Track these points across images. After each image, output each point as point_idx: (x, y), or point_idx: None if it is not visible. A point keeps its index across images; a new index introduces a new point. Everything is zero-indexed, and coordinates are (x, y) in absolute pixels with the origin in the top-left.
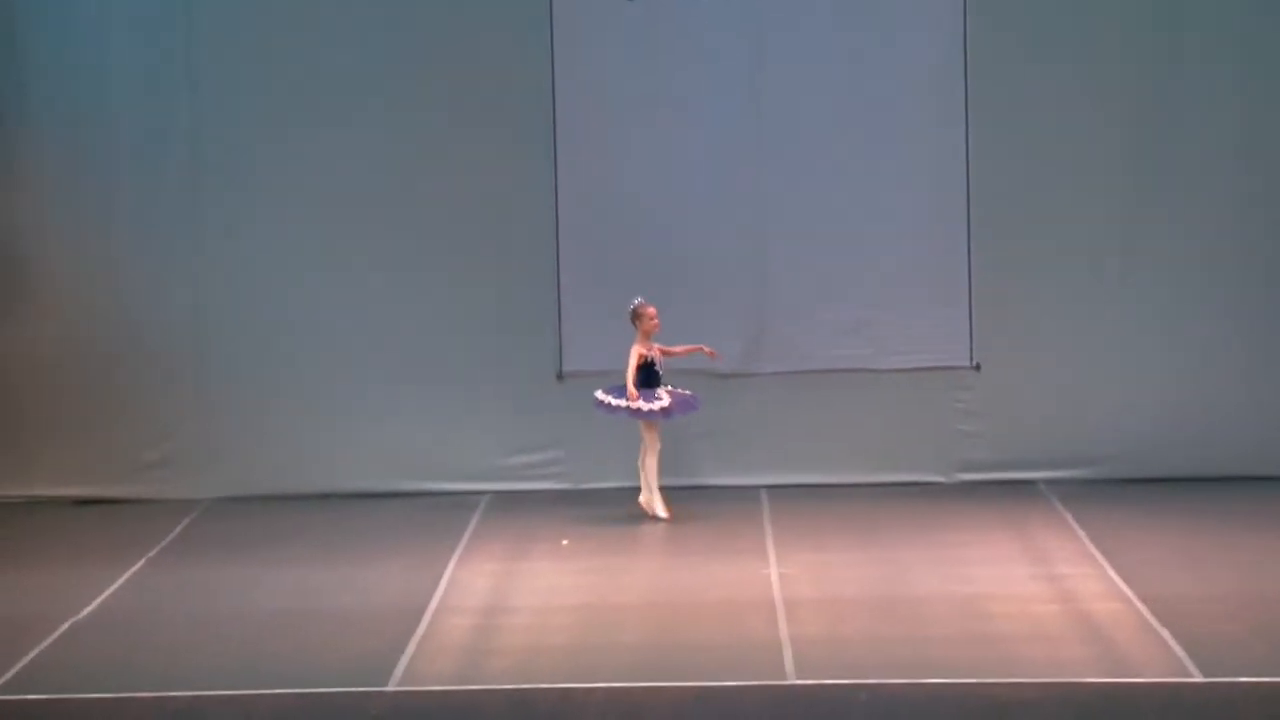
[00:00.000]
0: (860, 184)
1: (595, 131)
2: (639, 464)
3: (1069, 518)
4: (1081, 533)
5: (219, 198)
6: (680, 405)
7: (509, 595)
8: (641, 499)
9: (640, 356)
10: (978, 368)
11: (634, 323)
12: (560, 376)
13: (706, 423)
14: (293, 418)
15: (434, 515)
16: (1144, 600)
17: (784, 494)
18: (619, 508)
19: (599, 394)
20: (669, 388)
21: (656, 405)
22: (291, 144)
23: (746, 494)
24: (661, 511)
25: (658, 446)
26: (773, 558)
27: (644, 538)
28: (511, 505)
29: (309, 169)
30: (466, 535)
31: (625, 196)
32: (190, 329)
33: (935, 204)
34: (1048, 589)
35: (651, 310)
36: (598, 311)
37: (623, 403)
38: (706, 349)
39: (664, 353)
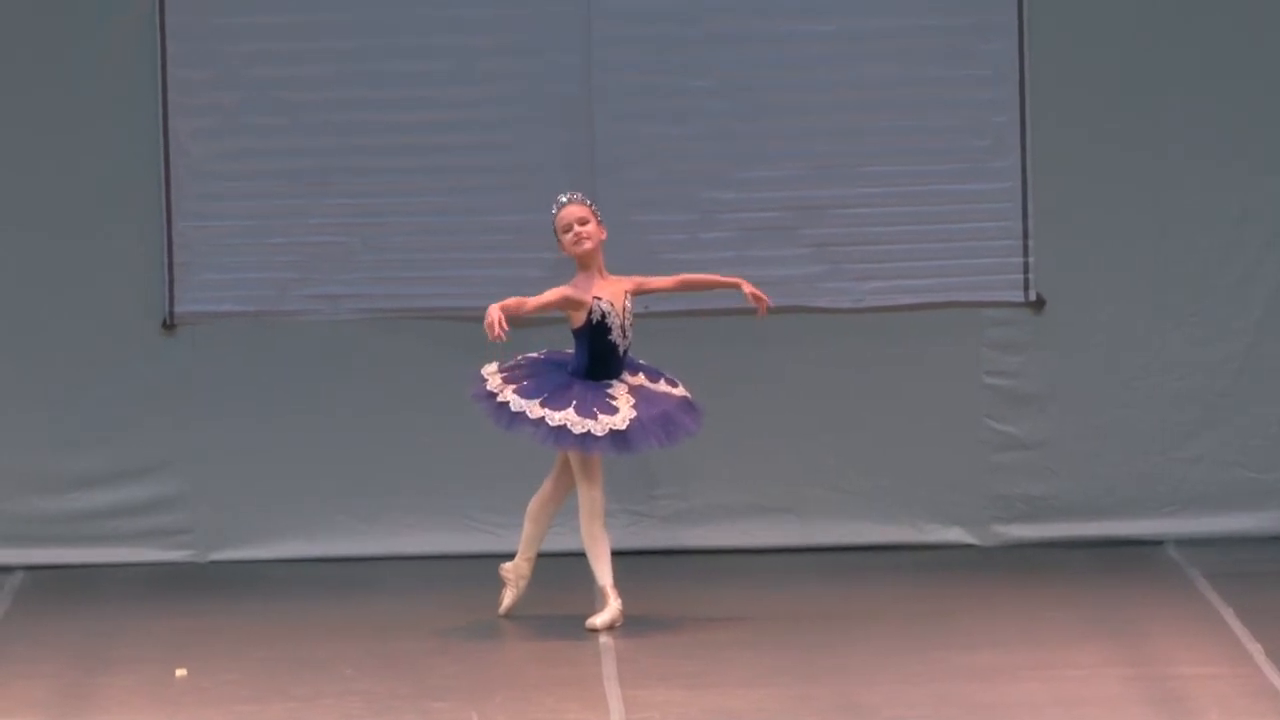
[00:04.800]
0: None
1: None
2: (535, 511)
3: (1243, 637)
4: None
5: None
6: (655, 427)
7: None
8: (508, 566)
9: (564, 297)
10: (1038, 305)
11: (558, 240)
12: (169, 324)
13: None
14: None
15: None
16: None
17: (637, 568)
18: (301, 597)
19: (490, 374)
20: (643, 376)
21: (601, 425)
22: None
23: (579, 565)
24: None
25: (598, 498)
26: (615, 697)
27: (340, 665)
28: (68, 593)
29: None
30: None
31: None
32: None
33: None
34: None
35: (574, 211)
36: (233, 207)
37: (532, 407)
38: (748, 288)
39: (642, 288)
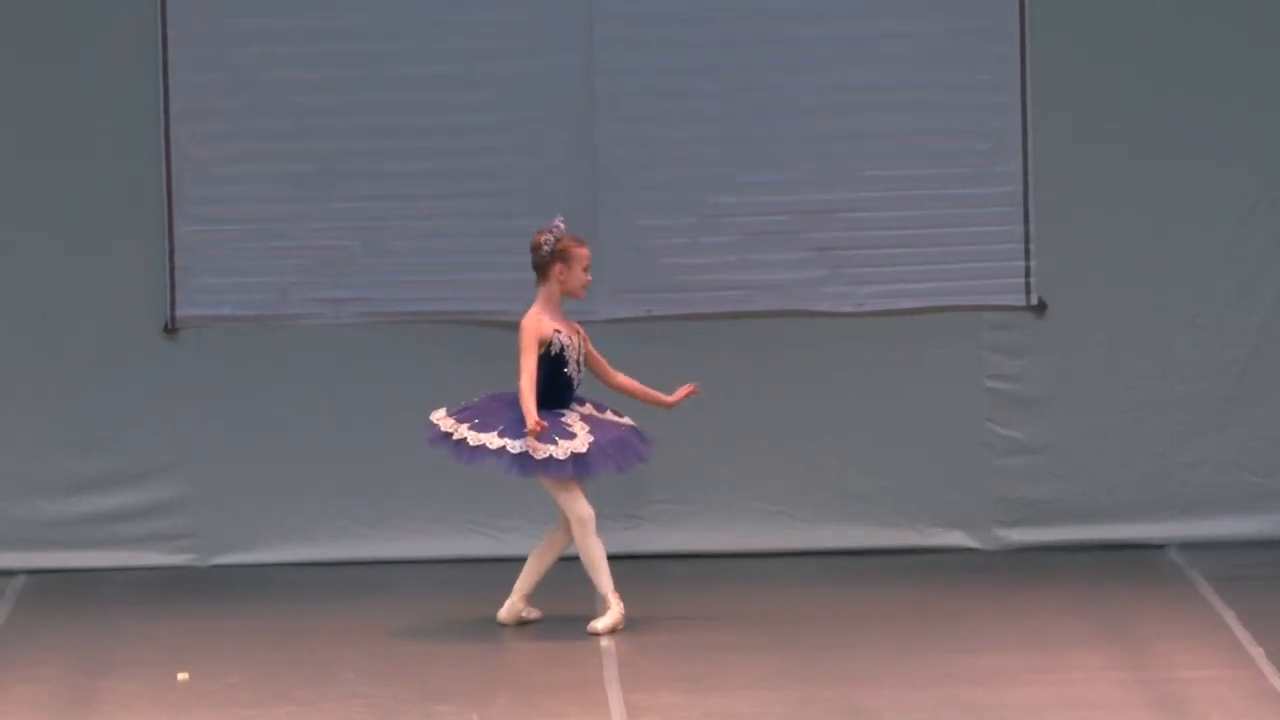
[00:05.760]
0: None
1: None
2: (540, 550)
3: (1245, 640)
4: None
5: None
6: (613, 451)
7: None
8: (504, 611)
9: (540, 339)
10: (1040, 308)
11: (547, 269)
12: (171, 328)
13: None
14: None
15: None
16: None
17: (638, 572)
18: (303, 601)
19: (440, 419)
20: (590, 406)
21: (562, 448)
22: None
23: (579, 568)
24: (535, 614)
25: (586, 517)
26: (617, 700)
27: (342, 668)
28: (70, 597)
29: None
30: None
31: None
32: None
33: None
34: None
35: (585, 251)
36: (235, 211)
37: (491, 438)
38: (674, 399)
39: (585, 344)
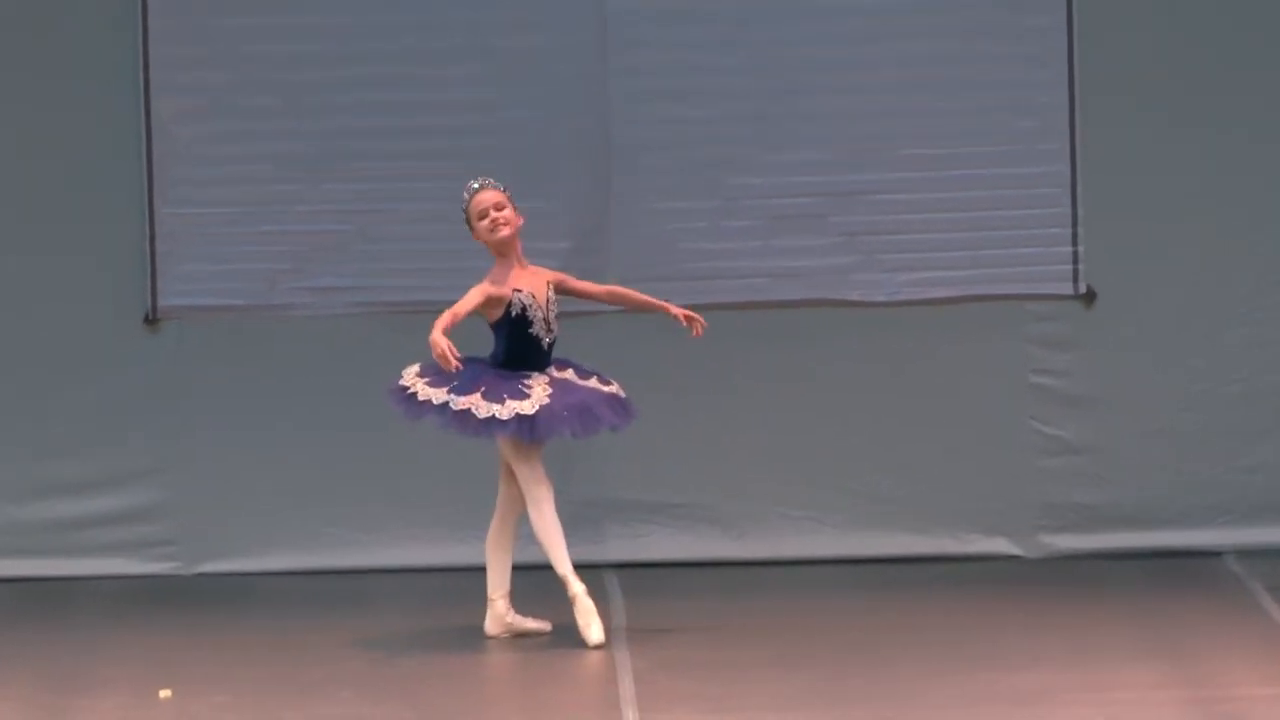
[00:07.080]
0: None
1: None
2: (492, 544)
3: None
4: None
5: None
6: (567, 416)
7: None
8: (489, 623)
9: (492, 299)
10: (1088, 298)
11: (471, 228)
12: (152, 319)
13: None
14: None
15: None
16: None
17: (654, 581)
18: (295, 612)
19: (410, 376)
20: (571, 372)
21: (507, 409)
22: None
23: (588, 576)
24: (531, 623)
25: (544, 492)
26: None
27: (336, 686)
28: (43, 608)
29: None
30: None
31: None
32: None
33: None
34: None
35: (489, 196)
36: (221, 193)
37: (438, 394)
38: (677, 310)
39: (564, 286)
